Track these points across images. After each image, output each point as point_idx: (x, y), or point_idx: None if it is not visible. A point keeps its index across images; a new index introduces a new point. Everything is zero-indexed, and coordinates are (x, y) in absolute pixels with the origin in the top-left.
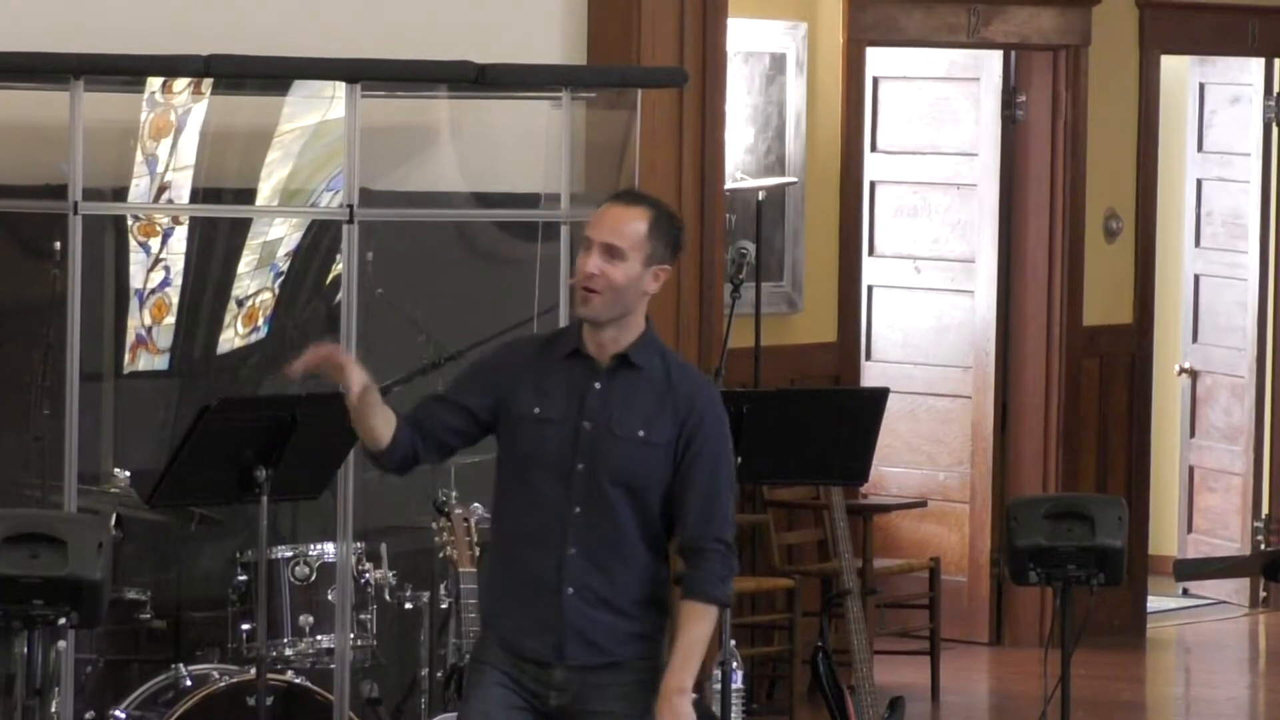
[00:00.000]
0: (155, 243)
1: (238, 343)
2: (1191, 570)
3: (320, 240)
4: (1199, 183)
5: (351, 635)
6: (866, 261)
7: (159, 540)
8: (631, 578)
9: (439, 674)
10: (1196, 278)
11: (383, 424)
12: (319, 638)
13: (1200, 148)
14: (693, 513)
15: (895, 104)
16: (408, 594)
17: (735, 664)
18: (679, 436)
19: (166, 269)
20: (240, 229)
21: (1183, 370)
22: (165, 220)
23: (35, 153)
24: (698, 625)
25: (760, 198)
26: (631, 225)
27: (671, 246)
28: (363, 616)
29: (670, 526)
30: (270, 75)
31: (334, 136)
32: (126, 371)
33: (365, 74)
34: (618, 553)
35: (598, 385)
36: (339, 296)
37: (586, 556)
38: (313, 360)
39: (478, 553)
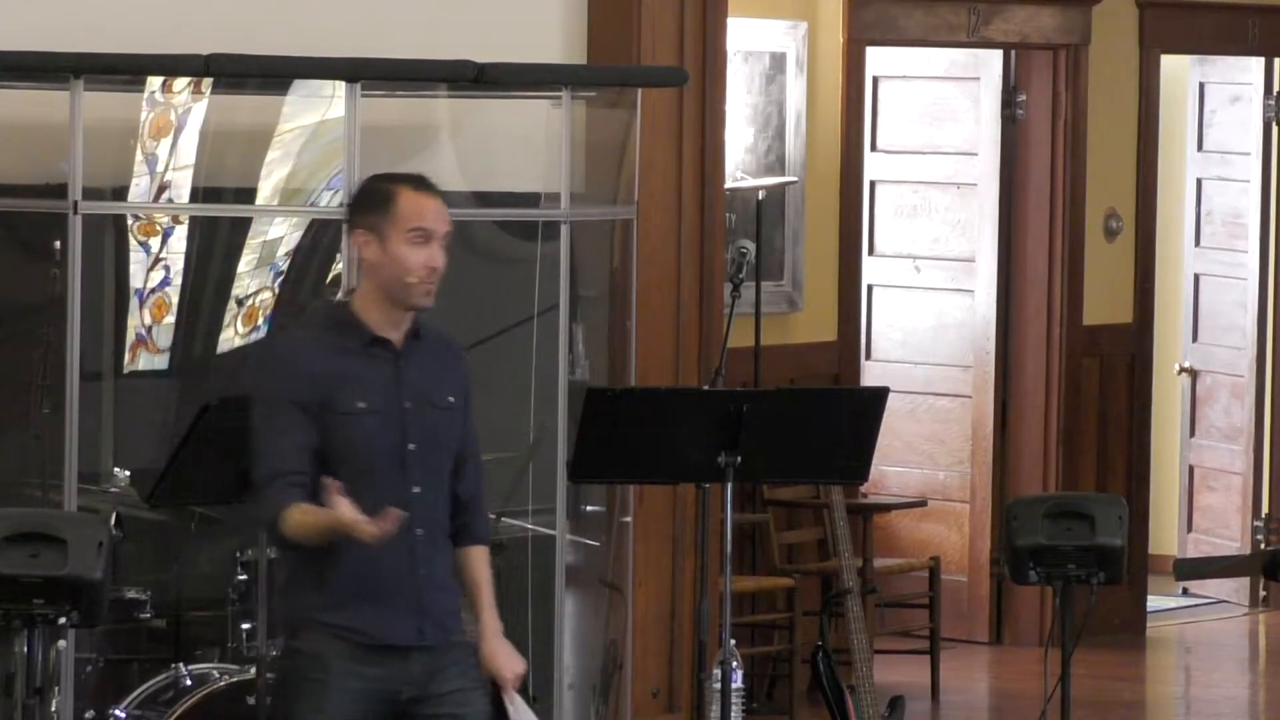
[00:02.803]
0: (155, 242)
1: (238, 342)
2: (1191, 569)
3: (320, 240)
4: (1199, 182)
5: None
6: (866, 261)
7: (159, 540)
8: (448, 551)
9: None
10: (1196, 277)
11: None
12: None
13: (1200, 147)
14: (474, 462)
15: (895, 103)
16: None
17: (735, 663)
18: (466, 394)
19: (166, 268)
20: (240, 228)
21: (1183, 370)
22: (165, 220)
23: (35, 152)
24: (489, 567)
25: (760, 197)
26: (447, 214)
27: None
28: None
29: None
30: (270, 75)
31: (334, 136)
32: (126, 371)
33: (365, 73)
34: (444, 527)
35: (401, 365)
36: (339, 296)
37: (430, 537)
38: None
39: None
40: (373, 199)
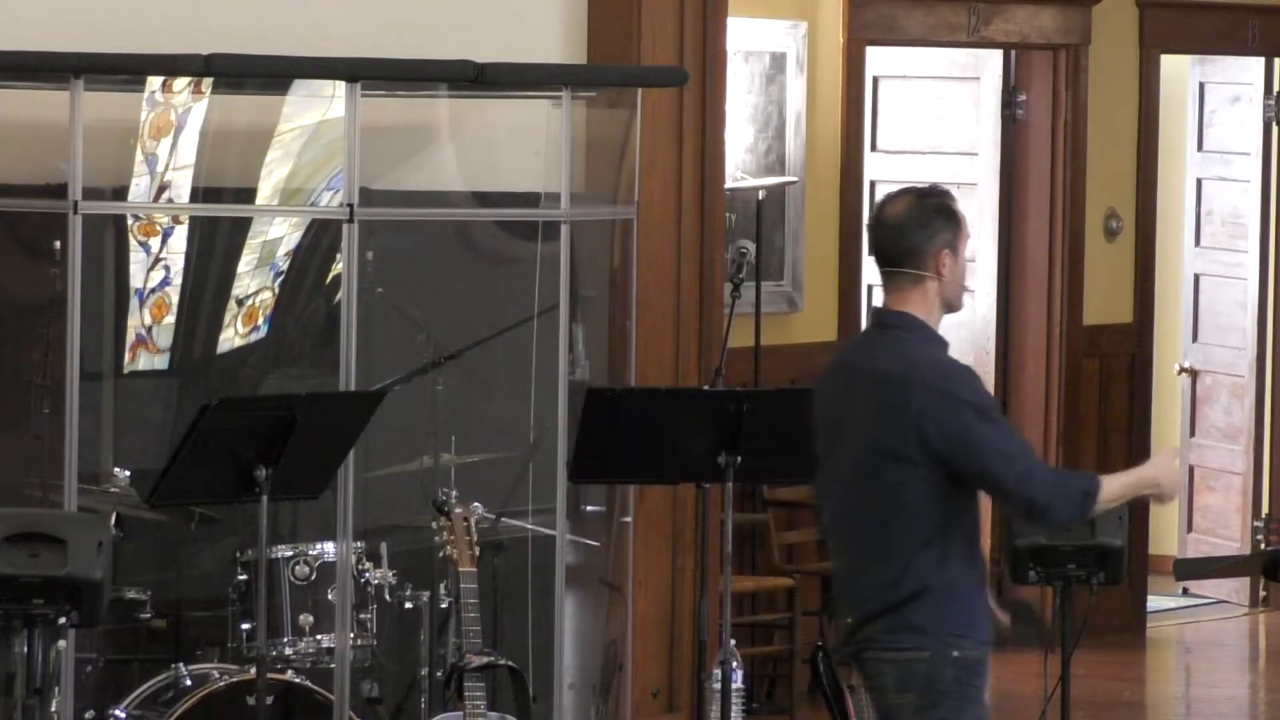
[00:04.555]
0: (155, 242)
1: (238, 342)
2: (1191, 569)
3: (320, 239)
4: (1199, 182)
5: (351, 635)
6: (866, 261)
7: (159, 540)
8: None
9: (439, 674)
10: (1196, 277)
11: None
12: (319, 637)
13: (1200, 147)
14: None
15: (895, 103)
16: (408, 594)
17: (735, 663)
18: None
19: (166, 268)
20: (240, 228)
21: (1183, 370)
22: (165, 220)
23: (35, 152)
24: None
25: (760, 197)
26: None
27: None
28: (363, 616)
29: None
30: (270, 74)
31: (334, 136)
32: (126, 371)
33: (365, 73)
34: None
35: None
36: (339, 296)
37: None
38: None
39: (478, 552)
40: (949, 218)
